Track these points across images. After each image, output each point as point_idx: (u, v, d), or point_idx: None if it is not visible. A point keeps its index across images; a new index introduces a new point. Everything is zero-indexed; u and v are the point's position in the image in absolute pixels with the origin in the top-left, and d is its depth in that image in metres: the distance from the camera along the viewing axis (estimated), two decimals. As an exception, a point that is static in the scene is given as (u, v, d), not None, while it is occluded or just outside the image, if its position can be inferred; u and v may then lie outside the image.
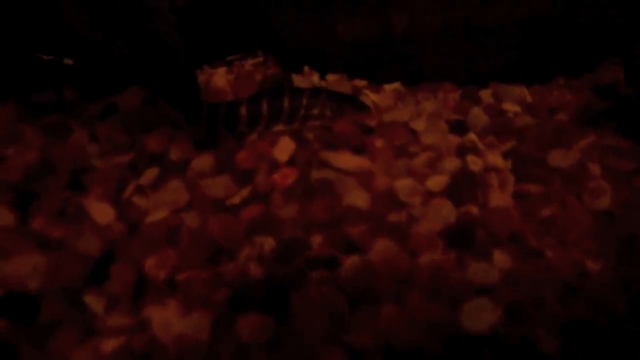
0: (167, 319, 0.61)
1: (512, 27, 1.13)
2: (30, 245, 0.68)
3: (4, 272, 0.64)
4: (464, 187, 0.77)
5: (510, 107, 1.01)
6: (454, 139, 0.89)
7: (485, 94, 1.08)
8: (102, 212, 0.73)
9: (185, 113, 0.91)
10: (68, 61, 1.11)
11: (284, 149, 0.84)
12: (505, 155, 0.84)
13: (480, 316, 0.59)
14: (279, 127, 0.92)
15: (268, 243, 0.70)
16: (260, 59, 1.44)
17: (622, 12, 1.15)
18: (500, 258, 0.66)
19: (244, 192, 0.78)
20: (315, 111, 0.91)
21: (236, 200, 0.77)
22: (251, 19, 1.37)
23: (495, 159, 0.82)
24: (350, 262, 0.67)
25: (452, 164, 0.81)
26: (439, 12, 1.12)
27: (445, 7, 1.12)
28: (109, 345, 0.58)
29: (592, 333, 0.60)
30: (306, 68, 1.20)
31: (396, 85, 1.14)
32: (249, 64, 1.44)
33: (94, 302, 0.62)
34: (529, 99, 1.05)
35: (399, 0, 1.14)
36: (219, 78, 1.18)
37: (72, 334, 0.59)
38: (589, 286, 0.64)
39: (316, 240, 0.71)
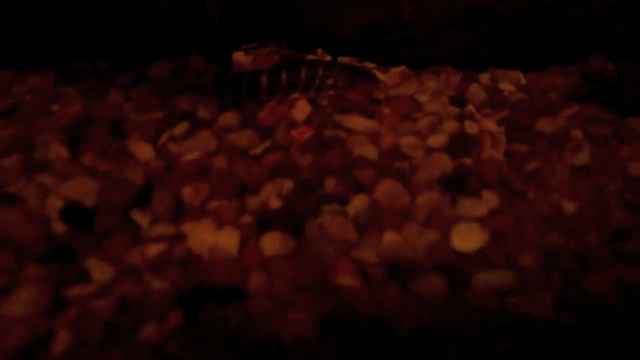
0: (202, 234, 0.73)
1: (511, 16, 1.25)
2: (82, 171, 0.81)
3: (64, 190, 0.77)
4: (460, 144, 0.89)
5: (506, 87, 1.14)
6: (454, 110, 1.01)
7: (484, 77, 1.21)
8: (142, 150, 0.86)
9: (213, 79, 1.03)
10: None
11: (301, 110, 0.97)
12: (499, 123, 0.97)
13: (469, 237, 0.72)
14: (296, 95, 1.05)
15: (287, 183, 0.83)
16: (273, 48, 1.56)
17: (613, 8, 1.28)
18: (489, 197, 0.79)
19: (266, 144, 0.90)
20: (330, 81, 1.04)
21: (258, 150, 0.89)
22: (265, 7, 1.48)
23: (489, 124, 0.95)
24: (359, 199, 0.79)
25: (451, 126, 0.93)
26: (443, 2, 1.26)
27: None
28: (153, 250, 0.70)
29: (564, 256, 0.72)
30: (319, 51, 1.32)
31: (402, 68, 1.26)
32: (263, 52, 1.57)
33: (140, 218, 0.74)
34: (523, 81, 1.18)
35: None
36: (239, 56, 1.31)
37: (122, 240, 0.71)
38: (564, 221, 0.76)
39: (329, 183, 0.83)
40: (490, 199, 0.78)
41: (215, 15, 0.89)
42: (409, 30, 1.26)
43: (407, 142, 0.89)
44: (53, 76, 1.17)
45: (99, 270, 0.67)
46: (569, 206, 0.78)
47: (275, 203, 0.79)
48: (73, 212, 0.73)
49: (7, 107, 1.01)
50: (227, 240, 0.72)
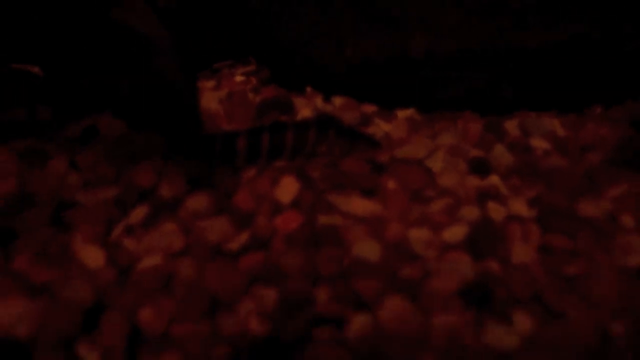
0: (165, 379, 0.70)
1: (544, 50, 1.22)
2: (14, 287, 0.77)
3: (-7, 317, 0.74)
4: (483, 239, 0.86)
5: (539, 144, 1.11)
6: (474, 181, 0.99)
7: (511, 126, 1.18)
8: (91, 255, 0.83)
9: (179, 145, 1.00)
10: (34, 69, 1.21)
11: (287, 189, 0.94)
12: (531, 203, 0.94)
13: (497, 383, 0.69)
14: (281, 163, 1.02)
15: (268, 295, 0.80)
16: (253, 67, 1.54)
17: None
18: (521, 320, 0.76)
19: (243, 237, 0.87)
20: (323, 148, 1.01)
21: (234, 245, 0.86)
22: (243, 25, 1.45)
23: (519, 206, 0.93)
24: (359, 321, 0.76)
25: (471, 212, 0.90)
26: (460, 33, 1.23)
27: (468, 28, 1.23)
28: (103, 404, 0.67)
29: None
30: (308, 89, 1.29)
31: (410, 112, 1.24)
32: (239, 72, 1.54)
33: (87, 353, 0.72)
34: (560, 132, 1.16)
35: (417, 19, 1.24)
36: (210, 98, 1.28)
37: (65, 390, 0.68)
38: (612, 351, 0.74)
39: (322, 294, 0.80)
40: (522, 323, 0.76)
41: (182, 86, 0.86)
42: (419, 68, 1.23)
43: (417, 236, 0.86)
44: (-19, 130, 1.13)
45: None
46: (618, 330, 0.75)
47: (256, 326, 0.76)
48: (4, 350, 0.70)
49: None
50: (196, 384, 0.69)
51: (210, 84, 1.45)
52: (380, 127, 1.16)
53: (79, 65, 0.87)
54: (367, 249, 0.84)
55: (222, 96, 1.30)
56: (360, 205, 0.91)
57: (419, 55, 1.23)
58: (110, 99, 0.87)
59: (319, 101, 1.27)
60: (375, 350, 0.73)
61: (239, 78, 1.52)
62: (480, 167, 1.02)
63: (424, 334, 0.75)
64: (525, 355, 0.72)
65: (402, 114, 1.23)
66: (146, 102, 0.85)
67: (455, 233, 0.87)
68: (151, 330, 0.75)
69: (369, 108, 1.25)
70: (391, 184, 0.96)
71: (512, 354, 0.72)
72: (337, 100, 1.26)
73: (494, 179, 0.98)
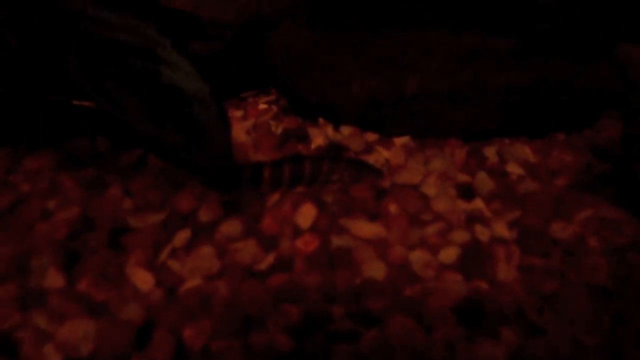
0: (206, 390, 0.65)
1: (515, 90, 1.17)
2: (78, 309, 0.73)
3: (60, 338, 0.69)
4: (473, 259, 0.82)
5: (514, 169, 1.06)
6: (463, 205, 0.94)
7: (490, 152, 1.13)
8: (142, 278, 0.78)
9: (215, 179, 0.96)
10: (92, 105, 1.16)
11: (306, 215, 0.89)
12: (511, 226, 0.89)
13: (489, 396, 0.64)
14: (300, 189, 0.97)
15: (292, 312, 0.75)
16: (274, 96, 1.48)
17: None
18: (507, 335, 0.71)
19: (270, 259, 0.83)
20: (335, 177, 0.96)
21: (263, 266, 0.82)
22: (267, 71, 1.40)
23: (501, 229, 0.88)
24: (370, 336, 0.72)
25: (461, 236, 0.86)
26: (447, 75, 1.17)
27: (453, 71, 1.17)
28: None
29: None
30: (321, 120, 1.24)
31: (405, 139, 1.19)
32: (262, 100, 1.49)
33: (141, 371, 0.67)
34: (531, 159, 1.10)
35: (410, 63, 1.19)
36: (238, 129, 1.22)
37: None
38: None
39: (338, 311, 0.75)
40: (508, 338, 0.71)
41: (222, 138, 0.81)
42: (413, 102, 1.18)
43: (417, 258, 0.82)
44: (51, 158, 1.08)
45: None
46: (589, 341, 0.70)
47: (282, 341, 0.71)
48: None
49: (6, 205, 0.93)
50: (233, 396, 0.64)
51: (238, 113, 1.40)
52: (381, 154, 1.11)
53: (131, 113, 0.81)
54: (375, 270, 0.80)
55: (248, 126, 1.25)
56: (366, 229, 0.87)
57: (412, 92, 1.17)
58: (157, 145, 0.81)
59: (329, 130, 1.22)
60: (385, 362, 0.69)
61: (262, 106, 1.47)
62: (467, 192, 0.97)
63: (426, 347, 0.70)
64: (512, 368, 0.67)
65: (399, 141, 1.18)
66: (187, 148, 0.79)
67: (449, 254, 0.83)
68: (193, 345, 0.71)
69: (372, 136, 1.20)
70: (392, 208, 0.92)
71: (501, 367, 0.67)
72: (345, 130, 1.21)
73: (479, 203, 0.94)
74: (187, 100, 0.79)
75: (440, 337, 0.72)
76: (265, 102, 1.50)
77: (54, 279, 0.77)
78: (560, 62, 1.17)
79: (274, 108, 1.44)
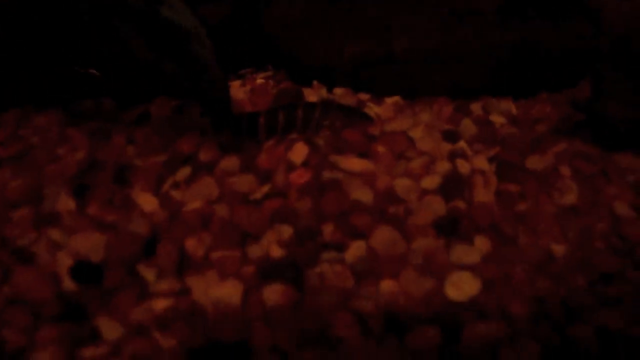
0: (206, 287, 0.75)
1: (501, 49, 1.27)
2: (89, 225, 0.83)
3: (72, 246, 0.79)
4: (453, 186, 0.91)
5: (497, 119, 1.16)
6: (447, 146, 1.03)
7: (476, 107, 1.22)
8: (147, 201, 0.87)
9: (213, 121, 1.05)
10: (94, 72, 1.26)
11: (299, 152, 0.98)
12: (490, 160, 0.98)
13: (462, 287, 0.74)
14: (293, 135, 1.07)
15: (286, 230, 0.84)
16: (270, 73, 1.58)
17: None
18: (481, 243, 0.81)
19: (265, 189, 0.92)
20: (326, 122, 1.06)
21: (258, 195, 0.91)
22: (262, 39, 1.50)
23: (481, 163, 0.97)
24: (356, 246, 0.81)
25: (443, 167, 0.95)
26: (435, 35, 1.27)
27: (442, 31, 1.27)
28: (160, 305, 0.72)
29: (553, 303, 0.74)
30: (315, 82, 1.34)
31: (396, 98, 1.28)
32: (260, 76, 1.59)
33: (146, 272, 0.76)
34: (514, 111, 1.20)
35: (400, 24, 1.29)
36: (237, 91, 1.32)
37: (129, 296, 0.73)
38: (554, 266, 0.78)
39: (327, 229, 0.84)
40: (482, 245, 0.80)
41: (218, 74, 0.91)
42: (402, 63, 1.27)
43: (401, 184, 0.91)
44: (59, 116, 1.18)
45: (109, 329, 0.69)
46: (558, 250, 0.80)
47: (276, 251, 0.80)
48: (82, 269, 0.75)
49: (16, 152, 1.02)
50: (231, 292, 0.74)
51: (237, 83, 1.49)
52: (373, 109, 1.20)
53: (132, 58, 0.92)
54: (362, 194, 0.89)
55: (246, 90, 1.35)
56: (356, 164, 0.96)
57: (402, 52, 1.27)
58: (161, 82, 0.91)
59: (323, 92, 1.31)
60: (368, 267, 0.78)
61: (259, 80, 1.56)
62: (451, 136, 1.06)
63: (405, 254, 0.79)
64: (485, 266, 0.76)
65: (390, 100, 1.27)
66: (187, 81, 0.89)
67: (431, 182, 0.92)
68: (195, 255, 0.80)
69: (364, 96, 1.29)
70: (380, 148, 1.00)
71: (475, 266, 0.77)
72: (338, 91, 1.30)
73: (462, 144, 1.02)
74: (185, 35, 0.89)
75: (419, 246, 0.81)
76: (263, 78, 1.60)
77: (66, 203, 0.86)
78: (542, 22, 1.27)
79: (271, 82, 1.53)
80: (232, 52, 1.59)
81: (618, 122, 0.99)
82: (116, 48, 0.89)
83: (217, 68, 0.91)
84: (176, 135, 1.06)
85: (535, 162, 0.96)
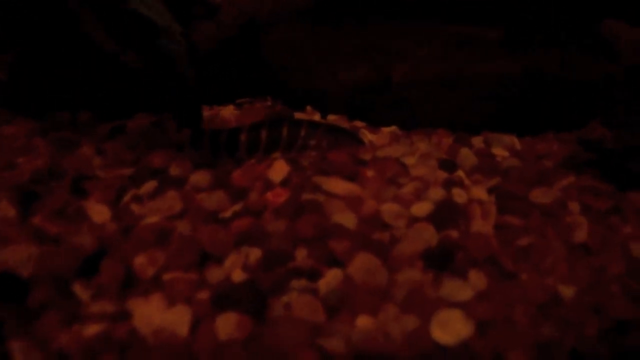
0: (149, 312, 0.61)
1: (503, 80, 1.14)
2: (27, 237, 0.69)
3: (0, 259, 0.65)
4: (447, 214, 0.77)
5: (499, 152, 1.03)
6: (442, 174, 0.90)
7: (477, 140, 1.10)
8: (99, 212, 0.74)
9: (190, 135, 0.93)
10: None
11: (279, 171, 0.85)
12: (490, 191, 0.85)
13: (451, 328, 0.59)
14: (276, 155, 0.93)
15: (254, 253, 0.70)
16: (269, 103, 1.46)
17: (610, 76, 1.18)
18: (476, 278, 0.66)
19: (236, 207, 0.79)
20: (312, 142, 0.92)
21: (228, 214, 0.78)
22: (258, 64, 1.39)
23: (479, 193, 0.83)
24: (331, 274, 0.67)
25: (437, 193, 0.81)
26: (435, 63, 1.15)
27: (442, 59, 1.15)
28: (91, 330, 0.58)
29: (560, 351, 0.59)
30: (309, 108, 1.22)
31: (393, 128, 1.16)
32: (257, 106, 1.47)
33: (82, 291, 0.63)
34: (518, 146, 1.07)
35: (399, 50, 1.17)
36: (227, 112, 1.20)
37: (57, 317, 0.59)
38: (561, 309, 0.63)
39: (301, 253, 0.71)
40: (477, 280, 0.66)
41: (189, 74, 0.79)
42: (400, 91, 1.15)
43: (389, 209, 0.77)
44: (30, 126, 1.05)
45: (24, 355, 0.54)
46: (566, 291, 0.65)
47: (239, 275, 0.67)
48: (4, 283, 0.61)
49: (-26, 160, 0.90)
50: (178, 320, 0.60)
51: (230, 107, 1.37)
52: (367, 136, 1.08)
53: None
54: (344, 218, 0.76)
55: (237, 112, 1.22)
56: (341, 186, 0.83)
57: (400, 80, 1.14)
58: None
59: (316, 117, 1.19)
60: (343, 299, 0.63)
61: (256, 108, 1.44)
62: (449, 165, 0.93)
63: (388, 287, 0.65)
64: (479, 305, 0.62)
65: (386, 129, 1.15)
66: (152, 75, 0.77)
67: (422, 208, 0.78)
68: (143, 275, 0.66)
69: (359, 124, 1.17)
70: (370, 173, 0.88)
71: (467, 304, 0.62)
72: (332, 117, 1.18)
73: (460, 173, 0.89)
74: (154, 30, 0.77)
75: (404, 278, 0.66)
76: (260, 107, 1.48)
77: (5, 210, 0.73)
78: (547, 53, 1.15)
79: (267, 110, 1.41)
80: (231, 78, 1.48)
81: (632, 156, 0.85)
82: (78, 38, 0.76)
83: (189, 67, 0.78)
84: (149, 149, 0.93)
85: (540, 196, 0.82)
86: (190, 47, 0.80)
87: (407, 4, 1.24)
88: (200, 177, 0.84)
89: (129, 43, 0.78)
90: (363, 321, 0.62)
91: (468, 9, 1.20)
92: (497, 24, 1.20)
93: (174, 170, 0.87)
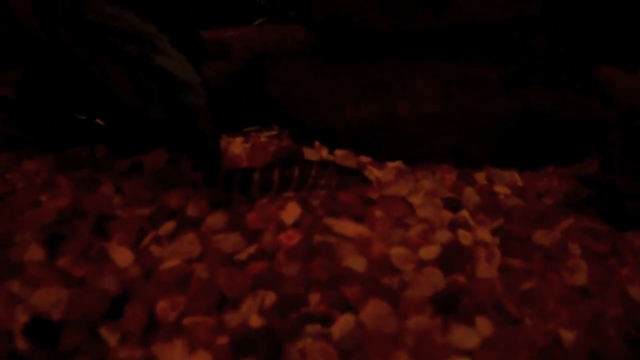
0: (172, 357, 0.63)
1: (504, 117, 1.17)
2: (56, 280, 0.71)
3: (32, 301, 0.67)
4: (453, 257, 0.79)
5: (502, 190, 1.05)
6: (448, 215, 0.92)
7: (480, 176, 1.12)
8: (122, 255, 0.76)
9: (205, 175, 0.95)
10: (99, 121, 1.17)
11: (291, 212, 0.87)
12: (494, 232, 0.87)
13: (459, 376, 0.61)
14: (288, 194, 0.96)
15: (269, 297, 0.72)
16: (275, 132, 1.48)
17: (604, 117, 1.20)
18: (482, 324, 0.68)
19: (251, 249, 0.81)
20: (322, 181, 0.95)
21: (243, 256, 0.80)
22: (265, 97, 1.42)
23: (484, 234, 0.85)
24: (344, 320, 0.69)
25: (443, 236, 0.83)
26: (439, 101, 1.18)
27: (445, 97, 1.18)
28: (118, 376, 0.60)
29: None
30: (317, 143, 1.24)
31: (398, 163, 1.18)
32: (264, 135, 1.49)
33: (109, 336, 0.64)
34: (519, 182, 1.09)
35: (403, 88, 1.19)
36: (236, 146, 1.23)
37: (86, 362, 0.61)
38: (562, 353, 0.66)
39: (314, 297, 0.73)
40: (483, 327, 0.68)
41: (210, 126, 0.81)
42: (405, 127, 1.17)
43: (397, 253, 0.79)
44: (50, 161, 1.08)
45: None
46: (566, 335, 0.67)
47: (255, 320, 0.69)
48: (38, 327, 0.63)
49: (-1, 195, 0.92)
50: (200, 365, 0.61)
51: (239, 139, 1.39)
52: (373, 173, 1.10)
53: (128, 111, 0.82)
54: (355, 262, 0.78)
55: (246, 147, 1.25)
56: (350, 228, 0.85)
57: (404, 116, 1.17)
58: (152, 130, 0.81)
59: (324, 152, 1.22)
60: (356, 345, 0.65)
61: (263, 139, 1.47)
62: (453, 205, 0.95)
63: (398, 333, 0.67)
64: (485, 352, 0.64)
65: (392, 164, 1.17)
66: (176, 130, 0.79)
67: (429, 252, 0.81)
68: (165, 319, 0.68)
69: (365, 159, 1.19)
70: (378, 213, 0.90)
71: (473, 351, 0.64)
72: (339, 153, 1.21)
73: (464, 213, 0.91)
74: (178, 85, 0.80)
75: (414, 324, 0.68)
76: (267, 136, 1.50)
77: (34, 253, 0.75)
78: (546, 92, 1.18)
79: (275, 141, 1.44)
80: (239, 109, 1.51)
81: (627, 198, 0.88)
82: (103, 91, 0.78)
83: (210, 120, 0.80)
84: (166, 188, 0.95)
85: (542, 238, 0.85)
86: (209, 93, 0.82)
87: (412, 43, 1.26)
88: (216, 219, 0.86)
89: (153, 98, 0.80)
90: (375, 367, 0.64)
91: (470, 49, 1.23)
92: (497, 63, 1.23)
93: (191, 211, 0.89)
